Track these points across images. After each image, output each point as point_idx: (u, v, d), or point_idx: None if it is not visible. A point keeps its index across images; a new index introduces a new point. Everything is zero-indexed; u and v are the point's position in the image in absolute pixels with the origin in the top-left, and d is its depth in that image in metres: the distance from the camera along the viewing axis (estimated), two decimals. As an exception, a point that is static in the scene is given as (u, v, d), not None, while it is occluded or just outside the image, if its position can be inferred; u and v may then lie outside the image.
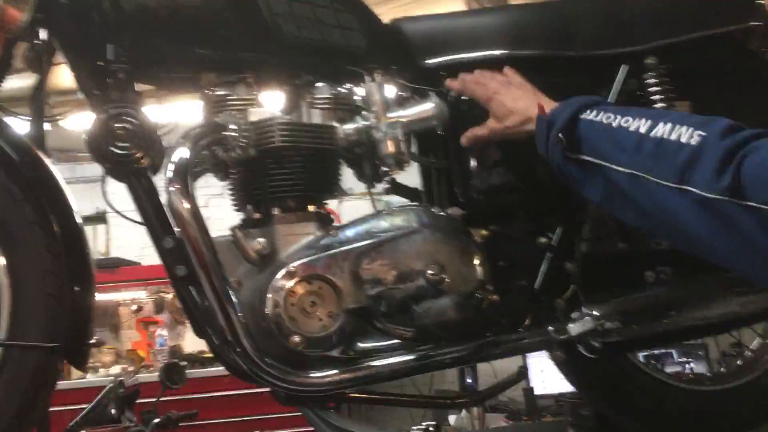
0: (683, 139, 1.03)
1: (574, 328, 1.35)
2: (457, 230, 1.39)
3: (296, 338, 1.26)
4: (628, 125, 1.12)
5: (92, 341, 1.34)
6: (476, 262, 1.37)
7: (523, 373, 1.36)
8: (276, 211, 1.36)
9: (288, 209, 1.37)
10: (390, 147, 1.39)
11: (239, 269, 1.35)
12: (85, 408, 2.93)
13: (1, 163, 1.27)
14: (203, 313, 1.31)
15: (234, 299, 1.27)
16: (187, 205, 1.27)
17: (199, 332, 1.34)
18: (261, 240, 1.33)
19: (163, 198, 1.33)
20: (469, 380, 4.69)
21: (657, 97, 1.48)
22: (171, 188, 1.27)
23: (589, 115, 1.19)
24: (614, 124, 1.15)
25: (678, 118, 1.08)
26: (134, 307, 5.20)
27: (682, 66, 1.49)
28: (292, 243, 1.34)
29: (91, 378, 4.61)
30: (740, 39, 1.55)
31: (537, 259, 1.42)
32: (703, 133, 1.02)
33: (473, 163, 1.45)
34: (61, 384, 4.60)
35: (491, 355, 1.34)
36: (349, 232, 1.35)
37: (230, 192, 1.45)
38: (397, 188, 1.56)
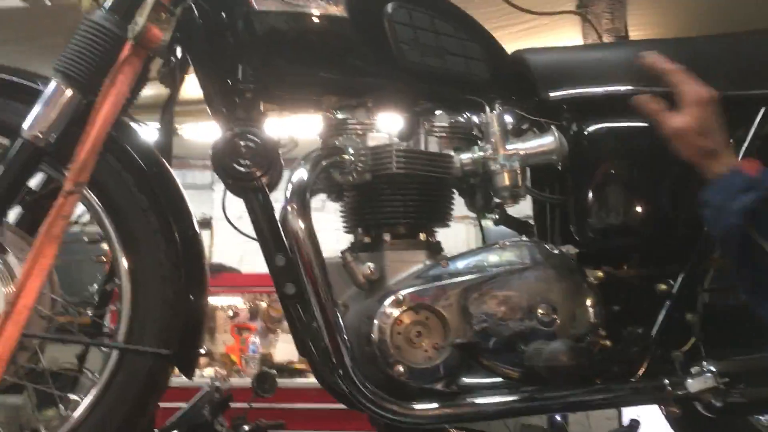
0: None
1: (693, 384, 1.27)
2: (571, 270, 1.34)
3: (400, 367, 1.25)
4: None
5: (203, 351, 1.38)
6: (589, 304, 1.32)
7: (634, 426, 1.28)
8: (387, 237, 1.36)
9: (399, 236, 1.37)
10: (506, 180, 1.37)
11: (346, 292, 1.36)
12: (179, 407, 3.04)
13: (130, 171, 1.32)
14: (309, 332, 1.32)
15: (341, 322, 1.27)
16: (302, 225, 1.28)
17: (303, 350, 1.35)
18: (370, 265, 1.33)
19: (278, 215, 1.36)
20: (557, 416, 4.54)
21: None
22: (288, 207, 1.29)
23: None
24: None
25: None
26: (230, 312, 5.34)
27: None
28: (401, 270, 1.34)
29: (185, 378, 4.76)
30: None
31: (655, 306, 1.35)
32: None
33: (592, 200, 1.39)
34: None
35: (600, 404, 1.29)
36: (460, 264, 1.33)
37: (342, 214, 1.46)
38: (506, 219, 1.53)
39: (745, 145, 1.38)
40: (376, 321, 1.27)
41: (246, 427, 3.20)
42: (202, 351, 1.37)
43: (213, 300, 5.43)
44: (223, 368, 5.15)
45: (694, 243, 1.37)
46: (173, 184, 1.41)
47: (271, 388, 3.38)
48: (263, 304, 5.34)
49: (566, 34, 4.10)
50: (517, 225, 1.54)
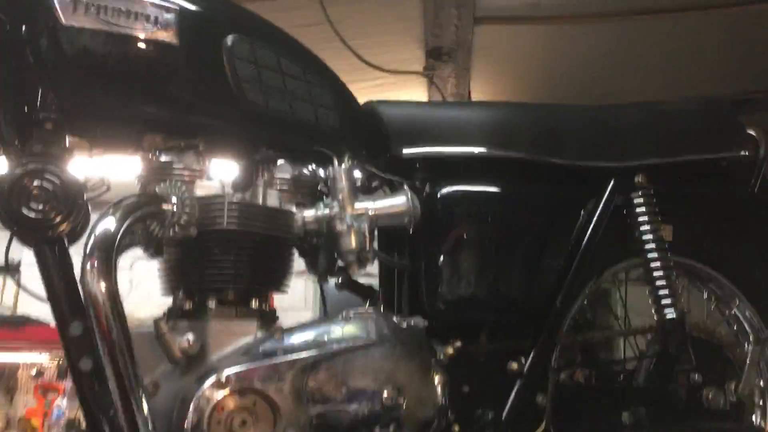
0: None
1: (543, 476, 1.17)
2: (420, 346, 1.21)
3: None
4: None
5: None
6: (438, 385, 1.19)
7: None
8: (212, 304, 1.16)
9: (226, 302, 1.17)
10: (353, 242, 1.23)
11: (158, 368, 1.13)
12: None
13: None
14: (109, 416, 1.07)
15: (146, 406, 1.04)
16: (104, 287, 1.05)
17: (99, 438, 1.10)
18: (189, 337, 1.11)
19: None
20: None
21: (642, 218, 1.38)
22: (88, 264, 1.06)
23: None
24: None
25: None
26: (34, 371, 4.74)
27: (670, 188, 1.41)
28: (227, 344, 1.14)
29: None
30: (728, 168, 1.48)
31: (505, 386, 1.25)
32: None
33: (443, 267, 1.28)
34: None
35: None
36: (296, 338, 1.15)
37: (161, 273, 1.24)
38: (350, 284, 1.38)
39: (596, 216, 1.35)
40: (191, 405, 1.05)
41: None
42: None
43: (14, 357, 4.80)
44: (21, 435, 4.53)
45: (546, 317, 1.30)
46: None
47: (73, 462, 2.95)
48: (75, 362, 4.79)
49: (413, 94, 4.13)
50: (362, 291, 1.41)
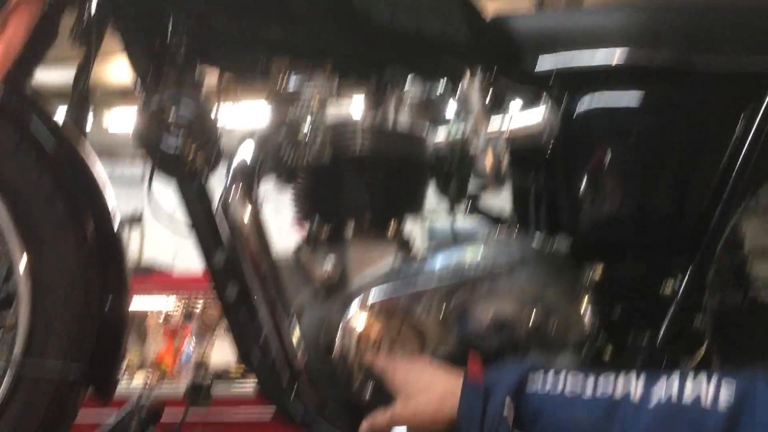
0: (705, 401, 0.73)
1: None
2: (565, 268, 1.15)
3: (366, 389, 1.03)
4: (606, 396, 0.80)
5: (120, 376, 1.13)
6: (586, 308, 1.13)
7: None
8: (350, 229, 1.14)
9: (363, 229, 1.15)
10: (488, 164, 1.16)
11: (302, 293, 1.13)
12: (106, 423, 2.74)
13: (30, 146, 1.07)
14: (255, 345, 1.09)
15: (298, 331, 1.05)
16: (248, 214, 1.05)
17: (249, 365, 1.12)
18: (329, 263, 1.10)
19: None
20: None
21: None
22: (230, 192, 1.06)
23: (543, 384, 0.88)
24: (585, 396, 0.82)
25: (682, 379, 0.77)
26: (162, 316, 5.01)
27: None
28: (368, 269, 1.12)
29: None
30: None
31: (660, 309, 1.17)
32: (730, 392, 0.72)
33: (585, 187, 1.21)
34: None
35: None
36: (437, 263, 1.11)
37: (295, 200, 1.23)
38: (479, 210, 1.33)
39: (755, 125, 1.22)
40: (339, 332, 1.05)
41: (179, 442, 2.94)
42: (121, 372, 1.12)
43: (143, 303, 5.09)
44: (155, 376, 4.82)
45: (702, 236, 1.20)
46: (86, 167, 1.15)
47: (205, 399, 3.10)
48: (198, 307, 5.02)
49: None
50: (492, 218, 1.35)
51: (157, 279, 4.69)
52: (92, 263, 1.08)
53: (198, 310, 5.03)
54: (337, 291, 1.11)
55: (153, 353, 5.16)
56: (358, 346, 1.04)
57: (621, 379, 0.77)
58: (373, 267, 1.12)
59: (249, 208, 1.05)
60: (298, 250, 1.12)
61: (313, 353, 1.08)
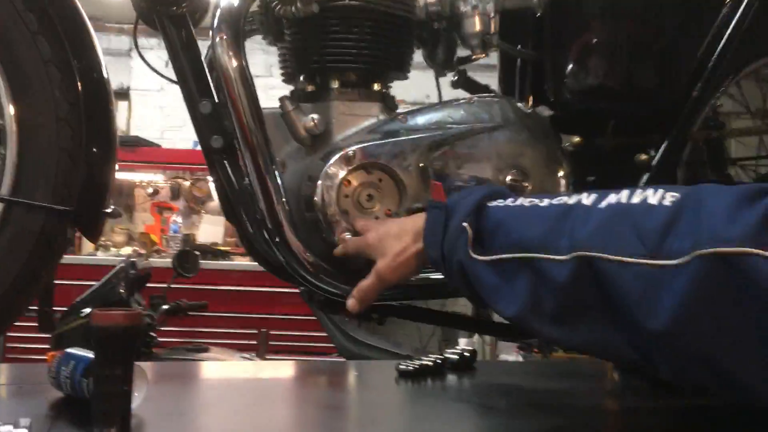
0: (652, 201, 0.73)
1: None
2: (546, 133, 1.17)
3: (347, 235, 1.07)
4: (561, 203, 0.81)
5: (108, 211, 1.16)
6: (563, 173, 1.16)
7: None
8: (335, 85, 1.15)
9: (349, 84, 1.16)
10: (477, 24, 1.16)
11: (285, 149, 1.15)
12: (93, 285, 2.83)
13: None
14: (239, 194, 1.12)
15: (279, 178, 1.07)
16: (234, 63, 1.05)
17: (231, 215, 1.16)
18: (314, 116, 1.12)
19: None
20: (484, 305, 4.58)
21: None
22: (217, 40, 1.05)
23: (503, 201, 0.88)
24: (542, 204, 0.83)
25: (630, 188, 0.77)
26: (150, 190, 5.05)
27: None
28: (351, 124, 1.14)
29: (101, 256, 4.52)
30: None
31: (632, 179, 1.21)
32: (676, 194, 0.72)
33: (572, 55, 1.21)
34: (70, 258, 4.54)
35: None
36: (420, 119, 1.13)
37: (281, 58, 1.23)
38: (467, 82, 1.34)
39: (743, 5, 1.22)
40: (320, 181, 1.08)
41: (165, 306, 3.05)
42: (108, 210, 1.15)
43: (131, 176, 5.12)
44: (143, 248, 4.93)
45: (679, 111, 1.22)
46: (73, 7, 1.14)
47: (193, 267, 3.20)
48: (186, 183, 5.07)
49: None
50: (479, 90, 1.36)
51: (144, 153, 4.70)
52: (79, 105, 1.08)
53: (186, 186, 5.08)
54: (321, 145, 1.13)
55: (141, 227, 5.25)
56: (338, 196, 1.07)
57: (575, 194, 0.80)
58: (357, 123, 1.14)
59: (235, 56, 1.05)
60: (284, 100, 1.13)
61: (295, 205, 1.11)
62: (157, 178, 5.06)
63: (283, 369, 1.84)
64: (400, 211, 1.09)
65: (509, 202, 0.86)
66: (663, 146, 1.21)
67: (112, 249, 4.73)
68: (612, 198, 0.76)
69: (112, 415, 0.94)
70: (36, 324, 1.21)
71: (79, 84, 1.09)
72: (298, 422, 1.22)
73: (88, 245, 4.73)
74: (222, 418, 1.22)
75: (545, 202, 0.81)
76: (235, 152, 1.11)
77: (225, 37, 1.05)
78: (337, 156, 1.08)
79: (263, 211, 1.08)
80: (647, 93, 1.22)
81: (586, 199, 0.78)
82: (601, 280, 0.73)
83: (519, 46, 1.28)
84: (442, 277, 1.03)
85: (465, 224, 0.85)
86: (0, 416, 0.94)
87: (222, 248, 4.63)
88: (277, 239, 1.08)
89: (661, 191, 0.72)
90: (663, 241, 0.68)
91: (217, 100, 1.12)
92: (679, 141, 1.23)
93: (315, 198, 1.07)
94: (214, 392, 1.44)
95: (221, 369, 1.90)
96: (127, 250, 4.70)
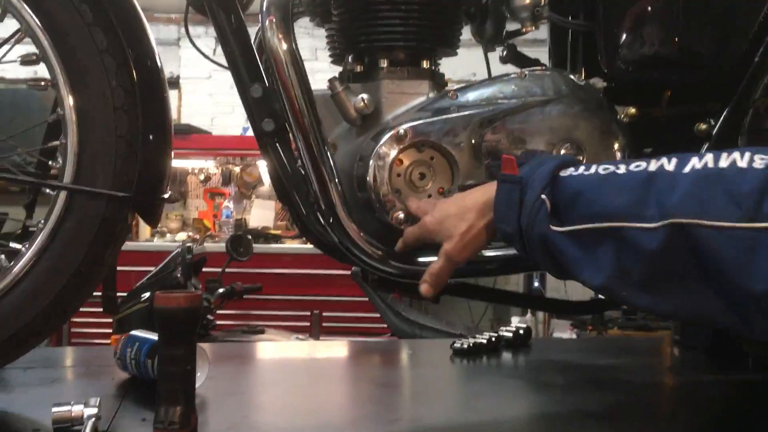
0: (741, 164, 0.72)
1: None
2: (600, 105, 1.15)
3: (400, 215, 1.07)
4: (640, 169, 0.79)
5: (166, 196, 1.19)
6: (619, 146, 1.14)
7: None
8: (383, 64, 1.15)
9: (398, 63, 1.15)
10: (527, -1, 1.14)
11: (336, 130, 1.16)
12: (150, 271, 2.91)
13: None
14: (291, 177, 1.13)
15: (331, 159, 1.08)
16: (284, 45, 1.06)
17: (285, 198, 1.17)
18: (365, 97, 1.12)
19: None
20: (536, 284, 4.54)
21: None
22: (266, 24, 1.06)
23: (577, 169, 0.86)
24: (619, 171, 0.81)
25: (716, 152, 0.76)
26: (202, 176, 5.15)
27: None
28: (401, 103, 1.14)
29: (157, 242, 4.63)
30: None
31: (691, 149, 1.17)
32: (765, 156, 0.71)
33: (625, 25, 1.18)
34: (128, 245, 4.66)
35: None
36: (471, 96, 1.12)
37: (329, 40, 1.23)
38: (516, 57, 1.32)
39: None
40: (371, 161, 1.08)
41: (221, 290, 3.11)
42: (166, 196, 1.17)
43: (183, 163, 5.22)
44: (197, 234, 5.03)
45: (739, 79, 1.18)
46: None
47: (246, 251, 3.25)
48: (236, 169, 5.14)
49: None
50: (529, 63, 1.33)
51: (195, 140, 4.78)
52: (134, 93, 1.11)
53: (236, 172, 5.15)
54: (371, 125, 1.13)
55: (194, 213, 5.36)
56: (390, 175, 1.07)
57: (653, 159, 0.79)
58: (407, 102, 1.13)
59: (284, 39, 1.05)
60: (334, 81, 1.13)
61: (347, 186, 1.12)
62: (208, 165, 5.14)
63: (338, 349, 1.86)
64: (453, 188, 1.08)
65: (583, 170, 0.85)
66: (723, 114, 1.17)
67: (168, 235, 4.84)
68: (696, 162, 0.74)
69: (177, 394, 0.97)
70: (99, 309, 1.25)
71: (134, 73, 1.11)
72: (354, 399, 1.24)
73: (145, 232, 4.86)
74: (280, 396, 1.25)
75: (622, 168, 0.80)
76: (286, 135, 1.12)
77: (274, 19, 1.06)
78: (387, 135, 1.08)
79: (316, 193, 1.09)
80: (705, 60, 1.17)
81: (668, 164, 0.76)
82: (697, 246, 0.72)
83: (570, 18, 1.25)
84: (498, 253, 1.03)
85: (543, 196, 0.84)
86: (70, 396, 0.98)
87: (273, 232, 4.69)
88: (330, 220, 1.09)
89: (748, 154, 0.71)
90: (760, 204, 0.68)
91: (267, 84, 1.13)
92: (741, 109, 1.19)
93: (367, 178, 1.08)
94: (272, 372, 1.48)
95: (277, 349, 1.94)
96: (181, 236, 4.80)
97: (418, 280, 1.10)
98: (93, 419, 0.94)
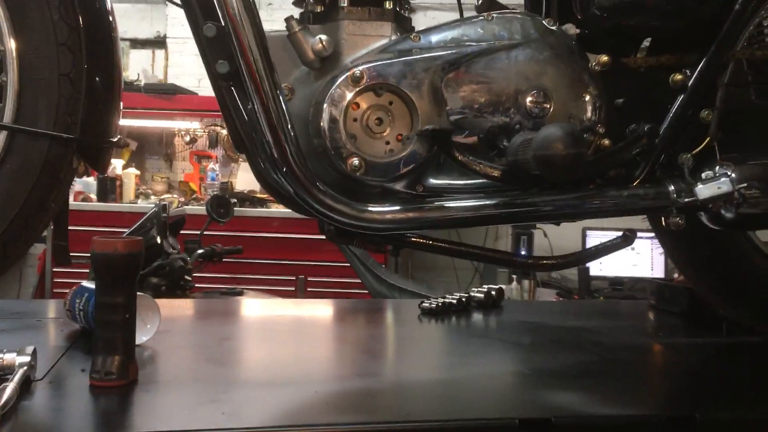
0: None
1: (703, 190, 1.07)
2: (571, 51, 1.09)
3: (355, 161, 1.02)
4: None
5: (114, 140, 1.13)
6: (589, 95, 1.08)
7: (629, 238, 1.09)
8: (344, 4, 1.09)
9: (360, 2, 1.09)
10: (498, -64, 1.08)
11: (293, 73, 1.10)
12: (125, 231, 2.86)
13: None
14: (246, 122, 1.07)
15: (283, 105, 1.02)
16: (234, -18, 0.99)
17: (239, 144, 1.11)
18: (323, 37, 1.05)
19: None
20: (523, 251, 4.50)
21: None
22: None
23: None
24: None
25: None
26: (188, 138, 5.07)
27: None
28: (361, 46, 1.07)
29: (141, 204, 4.58)
30: None
31: (665, 100, 1.12)
32: None
33: (601, -31, 1.12)
34: (111, 206, 4.61)
35: (591, 211, 1.08)
36: (434, 38, 1.06)
37: (290, -20, 1.17)
38: (492, 5, 1.25)
39: None
40: (326, 105, 1.02)
41: (200, 251, 3.06)
42: (114, 140, 1.12)
43: (169, 124, 5.14)
44: (182, 196, 4.97)
45: (718, 29, 1.12)
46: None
47: (226, 212, 3.19)
48: (223, 131, 5.06)
49: None
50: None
51: (181, 100, 4.70)
52: (79, 30, 1.05)
53: (223, 134, 5.07)
54: (329, 68, 1.07)
55: (180, 176, 5.29)
56: (345, 120, 1.02)
57: None
58: (368, 44, 1.07)
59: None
60: (290, 20, 1.07)
61: (304, 132, 1.06)
62: (194, 126, 5.06)
63: (305, 307, 1.82)
64: (412, 135, 1.02)
65: None
66: (700, 66, 1.12)
67: (153, 197, 4.78)
68: None
69: (115, 343, 0.93)
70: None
71: (78, 9, 1.05)
72: (306, 356, 1.20)
73: (129, 193, 4.79)
74: (232, 351, 1.21)
75: None
76: (240, 77, 1.06)
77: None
78: (343, 77, 1.02)
79: (268, 139, 1.03)
80: (683, 6, 1.11)
81: None
82: None
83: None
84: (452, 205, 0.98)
85: None
86: (13, 345, 0.94)
87: (260, 196, 4.63)
88: (284, 169, 1.04)
89: None
90: None
91: (223, 24, 1.06)
92: (718, 60, 1.13)
93: (321, 123, 1.02)
94: (227, 327, 1.44)
95: (238, 306, 1.90)
96: (167, 198, 4.74)
97: (375, 231, 1.05)
98: (24, 368, 0.90)
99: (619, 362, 1.19)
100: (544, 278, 4.57)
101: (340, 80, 1.02)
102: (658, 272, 4.34)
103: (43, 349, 1.02)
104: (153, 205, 3.00)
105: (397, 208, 1.04)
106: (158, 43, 5.37)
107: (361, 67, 1.02)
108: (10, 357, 0.91)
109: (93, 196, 4.59)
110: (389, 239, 1.10)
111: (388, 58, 1.04)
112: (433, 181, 1.08)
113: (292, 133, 1.03)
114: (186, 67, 5.22)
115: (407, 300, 2.00)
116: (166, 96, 4.63)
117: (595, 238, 4.27)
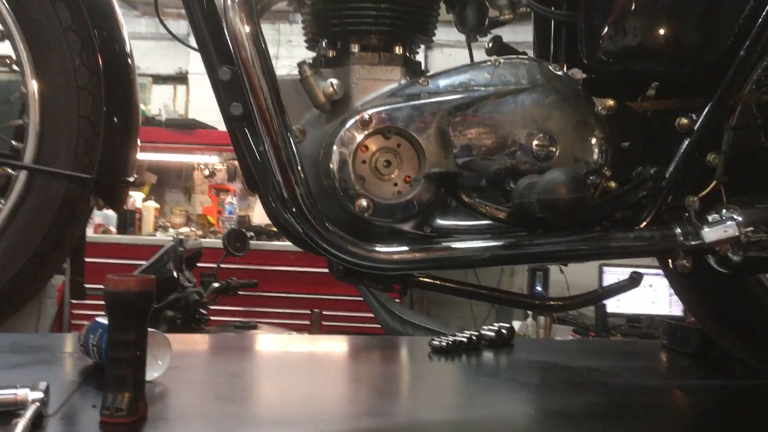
0: None
1: (709, 234, 1.07)
2: (577, 95, 1.11)
3: (363, 202, 1.04)
4: None
5: (131, 180, 1.16)
6: (595, 138, 1.10)
7: (636, 280, 1.10)
8: (355, 49, 1.12)
9: (370, 48, 1.12)
10: (506, -14, 1.11)
11: (305, 116, 1.12)
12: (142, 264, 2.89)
13: None
14: (258, 162, 1.10)
15: (294, 146, 1.04)
16: (247, 29, 1.03)
17: (252, 184, 1.14)
18: (333, 81, 1.08)
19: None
20: (538, 288, 4.49)
21: None
22: (227, 3, 1.03)
23: None
24: None
25: None
26: (207, 171, 5.14)
27: None
28: (371, 89, 1.10)
29: (160, 237, 4.63)
30: None
31: (672, 144, 1.13)
32: None
33: (606, 15, 1.14)
34: (130, 239, 4.68)
35: (597, 254, 1.09)
36: (442, 82, 1.09)
37: (304, 24, 1.20)
38: (501, 47, 1.28)
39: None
40: (335, 147, 1.05)
41: (216, 285, 3.09)
42: (131, 179, 1.15)
43: (189, 158, 5.22)
44: (200, 229, 5.03)
45: (724, 73, 1.14)
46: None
47: (242, 246, 3.23)
48: (242, 165, 5.13)
49: None
50: (514, 54, 1.30)
51: (201, 135, 4.78)
52: (99, 73, 1.08)
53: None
54: (340, 111, 1.10)
55: (199, 209, 5.36)
56: (354, 162, 1.04)
57: None
58: (378, 88, 1.10)
59: (247, 19, 1.02)
60: (302, 65, 1.10)
61: (314, 173, 1.08)
62: (213, 160, 5.14)
63: (316, 343, 1.83)
64: (419, 177, 1.04)
65: None
66: (706, 109, 1.13)
67: (171, 230, 4.84)
68: None
69: (125, 380, 0.94)
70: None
71: (99, 53, 1.09)
72: (319, 394, 1.21)
73: (148, 226, 4.86)
74: (243, 387, 1.22)
75: None
76: (253, 119, 1.09)
77: (237, 4, 1.03)
78: (352, 120, 1.04)
79: (279, 180, 1.06)
80: (689, 51, 1.13)
81: None
82: None
83: (552, 7, 1.21)
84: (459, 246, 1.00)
85: None
86: (28, 381, 0.96)
87: (276, 229, 4.67)
88: (294, 209, 1.06)
89: None
90: None
91: (237, 67, 1.10)
92: (725, 104, 1.14)
93: (330, 165, 1.04)
94: (239, 363, 1.45)
95: (252, 342, 1.91)
96: (185, 230, 4.80)
97: (383, 271, 1.07)
98: (37, 403, 0.91)
99: (628, 405, 1.18)
100: (561, 315, 4.54)
101: (349, 123, 1.04)
102: (676, 310, 4.29)
103: (56, 384, 1.04)
104: (170, 239, 3.05)
105: (405, 248, 1.06)
106: (180, 79, 5.48)
107: (370, 111, 1.04)
108: (23, 392, 0.93)
109: (113, 229, 4.66)
110: (397, 279, 1.11)
111: (396, 102, 1.06)
112: (440, 221, 1.09)
113: (303, 174, 1.05)
114: (206, 102, 5.31)
115: (418, 337, 2.01)
116: (186, 130, 4.71)
117: (611, 275, 4.24)
